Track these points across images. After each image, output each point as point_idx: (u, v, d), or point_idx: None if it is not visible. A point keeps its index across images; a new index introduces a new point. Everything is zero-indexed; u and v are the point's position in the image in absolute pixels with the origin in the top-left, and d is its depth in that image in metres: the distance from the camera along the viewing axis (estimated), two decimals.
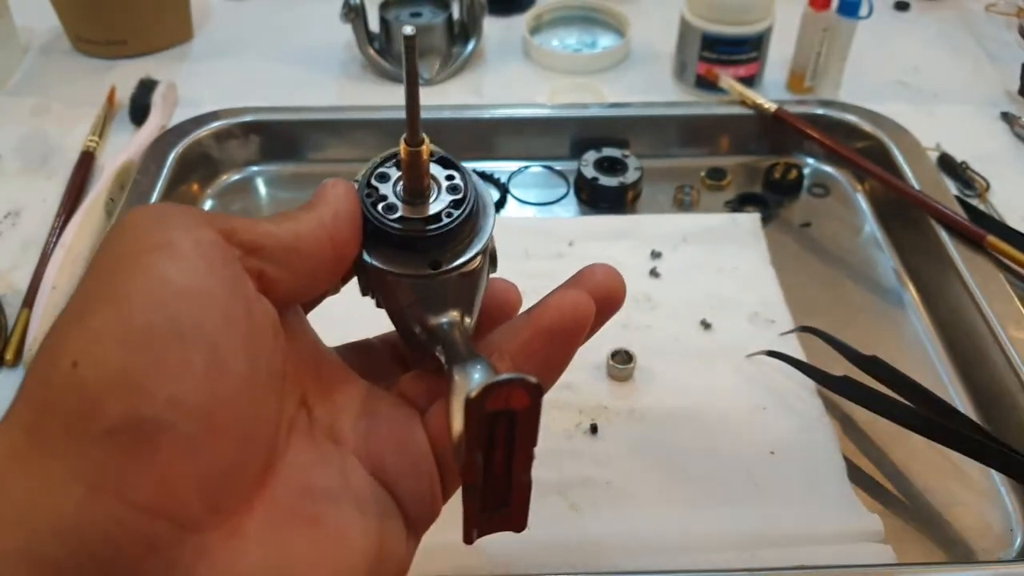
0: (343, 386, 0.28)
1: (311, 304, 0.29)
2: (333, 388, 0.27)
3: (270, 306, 0.24)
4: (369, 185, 0.28)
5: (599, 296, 0.28)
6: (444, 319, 0.28)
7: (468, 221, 0.28)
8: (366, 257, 0.27)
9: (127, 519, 0.20)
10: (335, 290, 0.29)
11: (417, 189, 0.28)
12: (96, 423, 0.20)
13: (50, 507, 0.20)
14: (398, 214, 0.27)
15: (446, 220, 0.28)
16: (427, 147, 0.27)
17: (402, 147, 0.27)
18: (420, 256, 0.28)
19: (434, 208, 0.28)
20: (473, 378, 0.25)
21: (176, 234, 0.23)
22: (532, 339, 0.27)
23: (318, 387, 0.27)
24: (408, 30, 0.24)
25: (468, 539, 0.25)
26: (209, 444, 0.21)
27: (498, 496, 0.25)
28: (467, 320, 0.29)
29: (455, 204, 0.28)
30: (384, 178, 0.28)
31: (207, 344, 0.22)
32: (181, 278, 0.22)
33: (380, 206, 0.27)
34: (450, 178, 0.28)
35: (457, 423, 0.24)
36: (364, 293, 0.29)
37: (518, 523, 0.26)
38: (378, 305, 0.29)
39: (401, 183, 0.28)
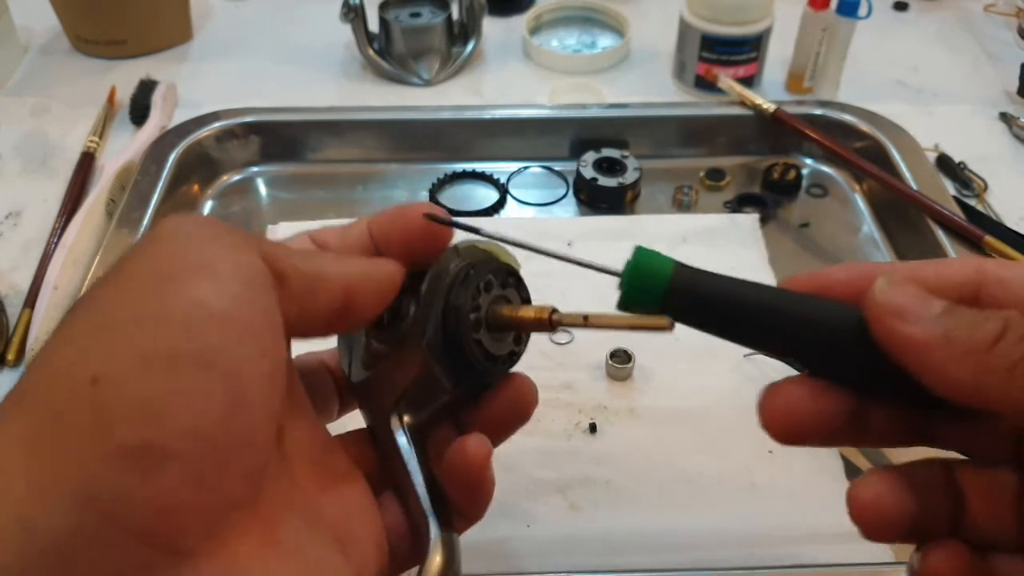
0: (303, 420, 0.28)
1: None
2: (298, 424, 0.27)
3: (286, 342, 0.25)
4: (477, 289, 0.28)
5: (513, 415, 0.30)
6: (417, 419, 0.29)
7: None
8: (433, 343, 0.28)
9: (125, 544, 0.20)
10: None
11: (507, 332, 0.29)
12: (107, 443, 0.20)
13: (45, 524, 0.19)
14: (478, 335, 0.28)
15: (499, 368, 0.29)
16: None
17: (546, 316, 0.28)
18: (451, 368, 0.28)
19: (502, 350, 0.29)
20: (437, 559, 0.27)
21: (218, 253, 0.22)
22: (455, 493, 0.29)
23: (286, 419, 0.27)
24: None
25: None
26: (217, 476, 0.21)
27: None
28: (427, 430, 0.30)
29: (511, 356, 0.30)
30: (488, 288, 0.29)
31: (234, 376, 0.21)
32: (219, 303, 0.21)
33: (472, 316, 0.28)
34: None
35: None
36: (378, 344, 0.30)
37: None
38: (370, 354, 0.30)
39: (495, 305, 0.29)
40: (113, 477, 0.20)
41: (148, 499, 0.20)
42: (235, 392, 0.21)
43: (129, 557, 0.20)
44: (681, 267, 0.26)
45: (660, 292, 0.26)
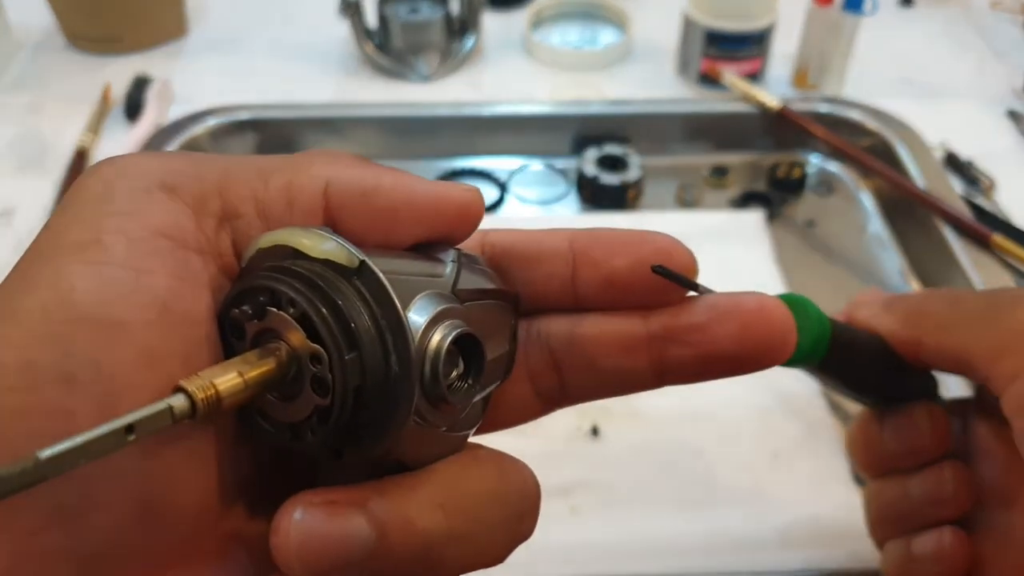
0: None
1: None
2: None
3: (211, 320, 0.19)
4: None
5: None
6: None
7: None
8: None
9: None
10: None
11: None
12: None
13: None
14: None
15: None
16: None
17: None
18: None
19: None
20: None
21: (111, 222, 0.17)
22: None
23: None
24: None
25: None
26: (88, 515, 0.17)
27: None
28: None
29: None
30: None
31: (103, 392, 0.17)
32: (89, 297, 0.17)
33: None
34: None
35: None
36: None
37: None
38: None
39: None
40: None
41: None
42: (104, 413, 0.16)
43: None
44: (831, 321, 0.26)
45: (824, 348, 0.25)
